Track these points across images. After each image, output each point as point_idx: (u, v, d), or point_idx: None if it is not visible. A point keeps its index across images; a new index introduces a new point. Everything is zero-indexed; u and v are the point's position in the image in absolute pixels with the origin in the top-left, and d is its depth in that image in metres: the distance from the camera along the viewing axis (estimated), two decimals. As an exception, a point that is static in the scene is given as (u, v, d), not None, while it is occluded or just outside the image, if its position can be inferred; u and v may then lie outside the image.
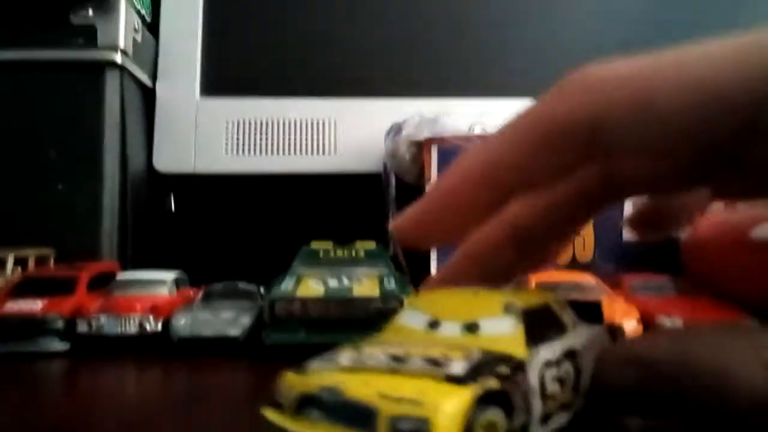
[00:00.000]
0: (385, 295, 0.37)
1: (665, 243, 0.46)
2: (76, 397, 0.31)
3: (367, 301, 0.37)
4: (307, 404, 0.18)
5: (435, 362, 0.18)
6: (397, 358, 0.18)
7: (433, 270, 0.47)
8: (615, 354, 0.19)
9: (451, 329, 0.21)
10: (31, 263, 0.48)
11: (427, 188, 0.22)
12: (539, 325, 0.21)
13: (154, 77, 0.64)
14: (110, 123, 0.56)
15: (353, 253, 0.45)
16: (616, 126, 0.19)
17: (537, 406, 0.18)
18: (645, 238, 0.28)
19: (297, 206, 0.64)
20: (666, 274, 0.40)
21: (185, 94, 0.64)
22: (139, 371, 0.35)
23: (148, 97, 0.63)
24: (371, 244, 0.46)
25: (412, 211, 0.23)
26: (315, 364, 0.19)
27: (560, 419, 0.20)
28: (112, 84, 0.57)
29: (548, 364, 0.19)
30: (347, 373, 0.18)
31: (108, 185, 0.55)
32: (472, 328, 0.20)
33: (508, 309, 0.20)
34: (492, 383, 0.17)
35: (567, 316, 0.23)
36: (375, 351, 0.19)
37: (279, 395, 0.19)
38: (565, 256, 0.48)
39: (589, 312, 0.25)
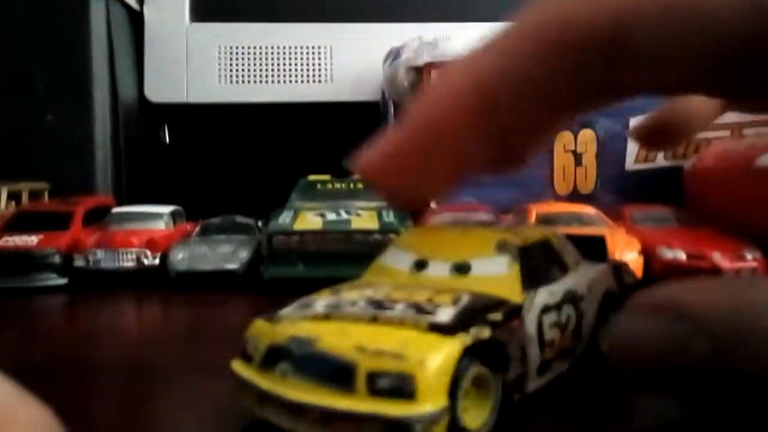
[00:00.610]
0: (383, 227, 0.37)
1: (668, 173, 0.45)
2: (75, 330, 0.31)
3: (365, 233, 0.36)
4: (276, 356, 0.16)
5: (419, 308, 0.16)
6: (378, 304, 0.17)
7: (433, 205, 0.47)
8: (648, 304, 0.15)
9: (439, 270, 0.19)
10: (24, 197, 0.47)
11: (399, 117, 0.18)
12: (537, 264, 0.19)
13: (141, 1, 0.61)
14: (98, 49, 0.54)
15: (351, 186, 0.44)
16: (644, 32, 0.16)
17: (534, 355, 0.17)
18: (651, 147, 0.26)
19: (293, 136, 0.63)
20: (668, 206, 0.40)
21: (175, 19, 0.61)
22: (138, 305, 0.36)
23: (137, 22, 0.61)
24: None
25: (382, 146, 0.18)
26: (287, 311, 0.17)
27: (559, 367, 0.18)
28: (97, 8, 0.54)
29: (547, 308, 0.18)
30: (322, 322, 0.16)
31: (99, 116, 0.53)
32: (462, 268, 0.19)
33: (502, 247, 0.18)
34: (483, 332, 0.15)
35: (568, 254, 0.21)
36: (354, 295, 0.18)
37: (248, 345, 0.17)
38: (566, 187, 0.47)
39: (592, 247, 0.23)
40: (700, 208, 0.40)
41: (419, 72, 0.49)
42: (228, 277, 0.37)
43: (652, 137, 0.24)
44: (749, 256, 0.33)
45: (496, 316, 0.16)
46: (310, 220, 0.38)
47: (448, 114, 0.17)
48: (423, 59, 0.48)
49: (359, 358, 0.14)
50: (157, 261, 0.38)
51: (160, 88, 0.61)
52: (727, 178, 0.38)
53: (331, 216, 0.39)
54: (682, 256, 0.34)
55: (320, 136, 0.62)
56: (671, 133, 0.24)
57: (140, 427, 0.19)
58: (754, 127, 0.43)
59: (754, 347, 0.12)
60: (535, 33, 0.17)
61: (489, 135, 0.17)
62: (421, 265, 0.19)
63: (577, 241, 0.22)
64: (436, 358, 0.14)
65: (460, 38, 0.53)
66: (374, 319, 0.16)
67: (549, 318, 0.18)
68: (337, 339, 0.15)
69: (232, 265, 0.37)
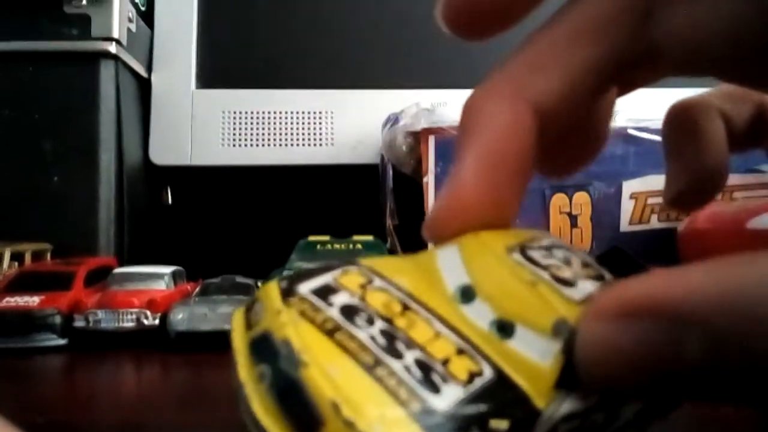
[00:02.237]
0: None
1: (662, 234, 0.46)
2: (75, 393, 0.31)
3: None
4: (266, 349, 0.14)
5: (426, 375, 0.14)
6: (391, 340, 0.14)
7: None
8: (620, 304, 0.12)
9: (480, 315, 0.16)
10: (27, 258, 0.48)
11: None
12: None
13: (149, 68, 0.63)
14: (106, 114, 0.56)
15: (351, 246, 0.45)
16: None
17: None
18: (688, 209, 0.24)
19: (294, 198, 0.64)
20: (663, 266, 0.40)
21: (181, 85, 0.63)
22: (137, 366, 0.35)
23: (144, 88, 0.63)
24: (369, 237, 0.46)
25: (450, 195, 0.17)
26: (305, 289, 0.15)
27: None
28: (107, 74, 0.56)
29: (569, 417, 0.14)
30: (323, 343, 0.14)
31: (104, 178, 0.55)
32: (504, 329, 0.15)
33: (558, 329, 0.14)
34: None
35: None
36: (377, 303, 0.15)
37: (254, 308, 0.15)
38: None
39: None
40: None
41: (417, 137, 0.50)
42: (228, 338, 0.37)
43: (689, 200, 0.24)
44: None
45: (501, 425, 0.13)
46: (310, 280, 0.38)
47: (509, 151, 0.17)
48: (420, 125, 0.50)
49: (329, 418, 0.12)
50: (157, 321, 0.39)
51: (165, 151, 0.62)
52: (719, 240, 0.39)
53: (331, 277, 0.39)
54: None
55: (320, 197, 0.63)
56: (704, 190, 0.24)
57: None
58: (744, 191, 0.44)
59: (757, 337, 0.10)
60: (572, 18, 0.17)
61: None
62: (466, 295, 0.16)
63: None
64: None
65: (456, 104, 0.55)
66: (376, 364, 0.14)
67: (567, 426, 0.15)
68: (323, 380, 0.13)
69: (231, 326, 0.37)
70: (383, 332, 0.15)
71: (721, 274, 0.11)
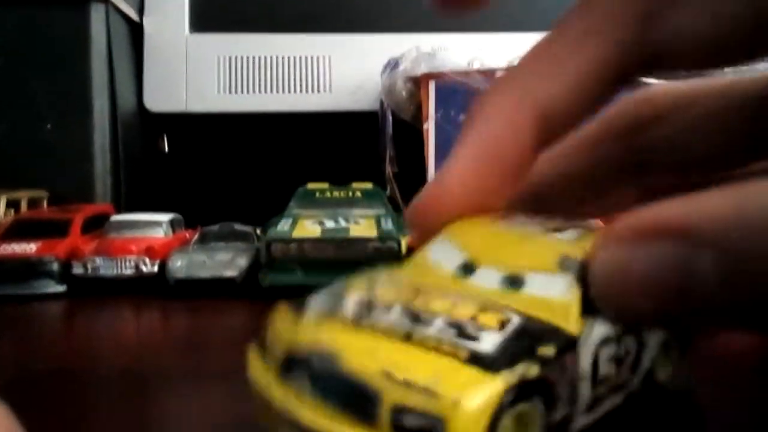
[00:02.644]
0: (382, 235, 0.37)
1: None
2: (75, 340, 0.31)
3: (364, 241, 0.37)
4: (295, 366, 0.14)
5: (461, 329, 0.14)
6: (414, 316, 0.14)
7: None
8: (632, 227, 0.12)
9: (487, 279, 0.16)
10: (23, 205, 0.47)
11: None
12: None
13: (141, 11, 0.61)
14: (97, 60, 0.54)
15: (350, 194, 0.44)
16: None
17: (585, 393, 0.15)
18: None
19: (292, 146, 0.63)
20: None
21: (174, 30, 0.61)
22: (137, 313, 0.36)
23: (136, 33, 0.61)
24: (368, 185, 0.46)
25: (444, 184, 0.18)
26: (316, 305, 0.16)
27: (611, 402, 0.16)
28: (97, 18, 0.54)
29: (606, 341, 0.15)
30: (349, 333, 0.14)
31: (98, 124, 0.54)
32: (514, 282, 0.16)
33: (564, 264, 0.15)
34: (531, 370, 0.13)
35: None
36: (390, 297, 0.16)
37: (267, 338, 0.15)
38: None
39: None
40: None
41: (417, 82, 0.49)
42: (227, 285, 0.37)
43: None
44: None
45: (548, 350, 0.13)
46: (308, 227, 0.38)
47: (510, 149, 0.17)
48: (421, 70, 0.48)
49: (385, 387, 0.12)
50: (155, 268, 0.38)
51: (160, 98, 0.61)
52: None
53: (330, 224, 0.39)
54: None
55: (319, 144, 0.62)
56: None
57: None
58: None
59: None
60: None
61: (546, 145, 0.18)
62: (468, 268, 0.17)
63: None
64: (473, 400, 0.12)
65: (458, 48, 0.54)
66: (408, 337, 0.14)
67: (607, 351, 0.15)
68: (363, 358, 0.13)
69: (230, 273, 0.37)
70: (404, 312, 0.15)
71: (738, 195, 0.11)
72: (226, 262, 0.38)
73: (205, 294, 0.37)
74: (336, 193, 0.44)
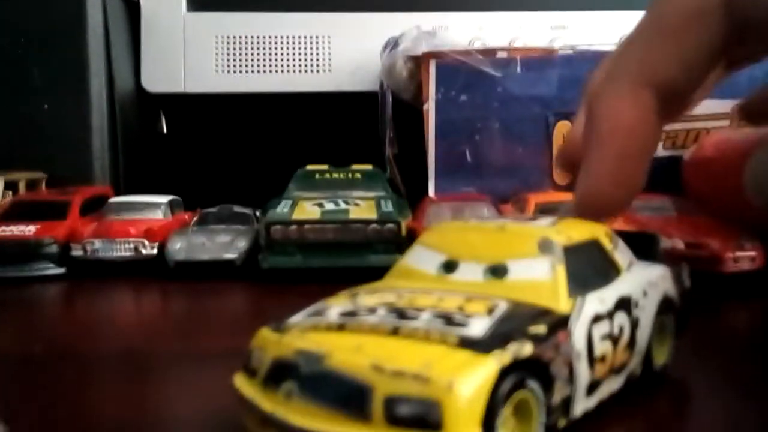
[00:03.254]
0: (382, 217, 0.37)
1: (667, 162, 0.45)
2: (74, 321, 0.31)
3: (363, 223, 0.36)
4: (282, 373, 0.14)
5: (448, 319, 0.14)
6: (400, 313, 0.14)
7: (432, 192, 0.47)
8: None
9: (471, 272, 0.16)
10: (21, 187, 0.47)
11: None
12: (585, 266, 0.16)
13: (137, -10, 0.60)
14: (93, 39, 0.54)
15: (349, 176, 0.44)
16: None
17: (583, 373, 0.14)
18: (755, 123, 0.28)
19: (291, 127, 0.63)
20: (667, 195, 0.40)
21: (171, 8, 0.60)
22: (135, 295, 0.35)
23: (133, 12, 0.60)
24: (368, 166, 0.45)
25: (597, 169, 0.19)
26: (297, 319, 0.15)
27: (611, 385, 0.16)
28: (94, -3, 0.54)
29: (597, 318, 0.15)
30: (334, 334, 0.14)
31: (96, 105, 0.53)
32: (497, 271, 0.16)
33: (544, 246, 0.16)
34: (523, 348, 0.13)
35: (621, 254, 0.18)
36: (374, 301, 0.15)
37: (252, 357, 0.15)
38: (564, 177, 0.47)
39: (642, 245, 0.20)
40: (699, 197, 0.40)
41: (417, 61, 0.48)
42: (226, 267, 0.37)
43: (756, 112, 0.26)
44: (747, 245, 0.33)
45: (539, 328, 0.14)
46: (308, 209, 0.38)
47: (635, 130, 0.19)
48: (421, 49, 0.48)
49: (376, 379, 0.12)
50: (154, 251, 0.38)
51: (157, 78, 0.60)
52: (725, 168, 0.38)
53: (329, 206, 0.39)
54: (680, 244, 0.34)
55: (318, 125, 0.62)
56: None
57: (138, 416, 0.19)
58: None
59: None
60: (659, 15, 0.19)
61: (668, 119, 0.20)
62: (450, 266, 0.17)
63: (624, 238, 0.20)
64: (467, 382, 0.12)
65: (459, 27, 0.53)
66: (395, 331, 0.13)
67: (600, 329, 0.15)
68: (351, 355, 0.13)
69: (230, 255, 0.37)
70: (390, 311, 0.15)
71: None
72: (226, 244, 0.38)
73: (205, 276, 0.37)
74: (335, 175, 0.44)
